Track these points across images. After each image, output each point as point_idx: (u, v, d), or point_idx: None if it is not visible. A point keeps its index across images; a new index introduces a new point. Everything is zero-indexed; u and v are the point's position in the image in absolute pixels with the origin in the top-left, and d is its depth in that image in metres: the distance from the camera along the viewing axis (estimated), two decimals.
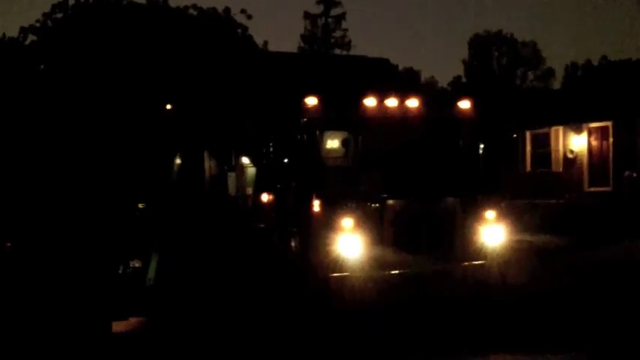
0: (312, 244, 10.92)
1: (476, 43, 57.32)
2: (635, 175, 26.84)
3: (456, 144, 11.74)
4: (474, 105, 11.72)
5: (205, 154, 13.06)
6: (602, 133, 29.51)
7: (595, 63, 52.83)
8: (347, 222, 10.76)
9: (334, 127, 11.27)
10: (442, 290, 11.03)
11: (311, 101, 11.02)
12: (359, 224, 10.78)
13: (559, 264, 13.75)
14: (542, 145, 31.41)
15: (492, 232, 11.37)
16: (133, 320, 12.33)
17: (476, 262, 11.25)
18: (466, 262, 11.22)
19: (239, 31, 26.14)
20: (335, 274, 10.73)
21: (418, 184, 11.20)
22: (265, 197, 11.91)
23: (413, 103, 11.46)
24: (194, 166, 12.98)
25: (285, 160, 11.62)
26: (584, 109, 30.47)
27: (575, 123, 30.11)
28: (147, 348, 11.03)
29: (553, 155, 31.07)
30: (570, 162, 30.42)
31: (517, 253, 12.18)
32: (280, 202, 11.66)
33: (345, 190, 10.98)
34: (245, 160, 12.62)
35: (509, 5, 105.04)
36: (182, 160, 13.15)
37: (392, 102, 11.35)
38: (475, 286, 11.14)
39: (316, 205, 10.87)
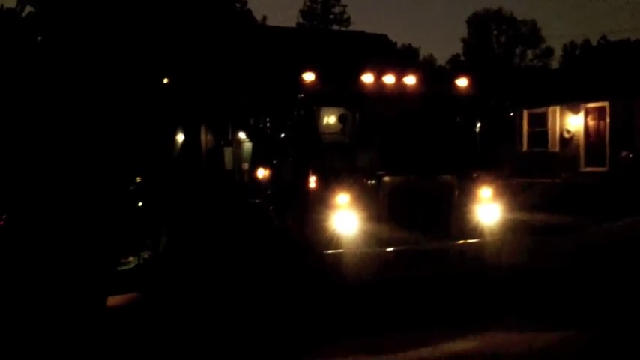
0: (307, 220, 10.80)
1: (475, 21, 57.04)
2: (631, 155, 26.79)
3: (453, 121, 11.64)
4: (472, 82, 11.60)
5: (202, 128, 12.90)
6: (599, 113, 29.47)
7: (594, 43, 52.67)
8: (343, 198, 10.66)
9: (331, 102, 11.16)
10: (437, 268, 10.94)
11: (308, 76, 10.89)
12: (355, 201, 10.68)
13: (555, 242, 13.60)
14: (540, 124, 31.34)
15: (488, 210, 11.27)
16: (129, 295, 12.31)
17: (471, 240, 11.13)
18: (462, 239, 11.11)
19: (238, 5, 25.92)
20: (330, 251, 10.58)
21: (415, 160, 11.09)
22: (261, 173, 11.79)
23: (411, 79, 11.33)
24: (191, 140, 12.81)
25: (282, 136, 11.47)
26: (581, 89, 30.40)
27: (572, 103, 30.06)
28: (139, 323, 10.99)
29: (550, 135, 31.03)
30: (567, 142, 30.40)
31: (513, 232, 12.02)
32: (276, 177, 11.56)
33: (342, 166, 10.87)
34: (242, 134, 12.46)
35: None
36: (178, 134, 12.97)
37: (390, 78, 11.22)
38: (471, 264, 11.04)
39: (312, 181, 10.77)
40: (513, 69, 50.05)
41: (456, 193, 11.15)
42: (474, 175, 11.26)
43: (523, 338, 9.64)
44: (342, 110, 11.06)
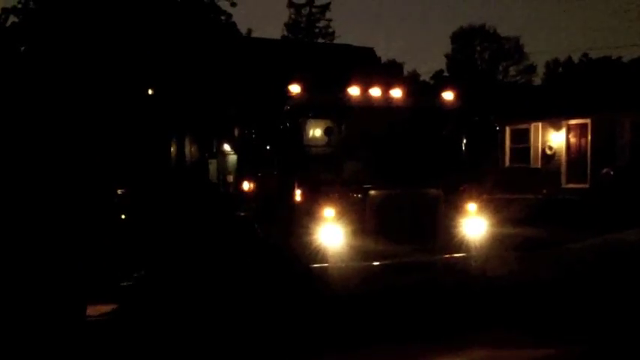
0: (293, 234, 10.64)
1: (459, 37, 57.17)
2: (612, 172, 26.78)
3: (439, 134, 11.52)
4: (458, 96, 11.50)
5: (187, 140, 12.73)
6: (581, 130, 29.53)
7: (576, 60, 52.88)
8: (329, 211, 10.52)
9: (317, 115, 11.03)
10: (423, 281, 10.80)
11: (295, 88, 10.76)
12: (341, 214, 10.54)
13: (541, 256, 13.49)
14: (522, 140, 31.37)
15: (474, 224, 11.14)
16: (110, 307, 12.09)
17: (457, 254, 11.01)
18: (447, 253, 10.98)
19: (222, 18, 25.75)
20: (316, 265, 10.43)
21: (401, 174, 10.97)
22: (247, 185, 11.63)
23: (397, 92, 11.22)
24: (175, 151, 12.64)
25: (268, 148, 11.32)
26: (563, 106, 30.46)
27: (554, 119, 30.11)
28: (124, 336, 10.77)
29: (532, 151, 31.06)
30: (549, 158, 30.42)
31: (498, 245, 11.91)
32: (262, 190, 11.39)
33: (328, 179, 10.71)
34: (227, 146, 12.31)
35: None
36: (163, 145, 12.79)
37: (376, 91, 11.11)
38: (456, 278, 10.91)
39: (298, 194, 10.62)
40: (496, 85, 50.15)
41: (442, 206, 11.02)
42: (460, 188, 11.13)
43: (509, 354, 9.46)
44: (328, 122, 10.92)
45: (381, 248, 10.67)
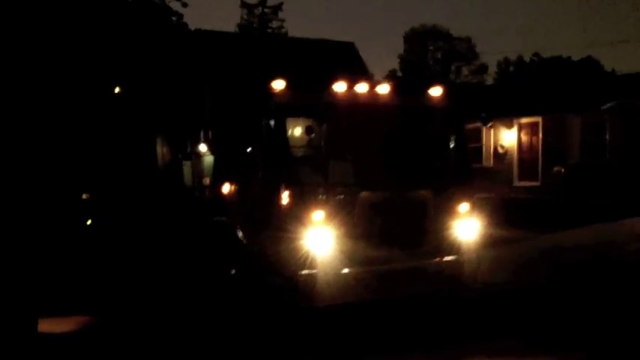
0: (279, 239, 9.77)
1: (412, 37, 56.72)
2: (563, 170, 26.61)
3: (427, 133, 10.77)
4: (446, 93, 10.77)
5: (158, 141, 11.73)
6: (532, 128, 29.30)
7: (527, 59, 52.72)
8: (318, 215, 9.70)
9: (303, 113, 10.24)
10: (415, 288, 10.07)
11: (278, 85, 9.90)
12: (330, 217, 9.74)
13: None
14: (474, 139, 30.94)
15: (465, 226, 10.43)
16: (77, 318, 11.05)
17: (449, 259, 10.28)
18: (439, 257, 10.26)
19: (174, 18, 24.69)
20: (304, 272, 9.59)
21: (391, 175, 10.22)
22: (227, 188, 10.69)
23: (384, 89, 10.45)
24: (145, 153, 11.63)
25: (249, 149, 10.40)
26: (514, 105, 30.16)
27: (506, 118, 29.79)
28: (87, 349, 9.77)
29: (484, 150, 30.68)
30: (501, 157, 30.11)
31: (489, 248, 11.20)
32: (244, 193, 10.48)
33: (316, 180, 9.88)
34: (202, 147, 11.35)
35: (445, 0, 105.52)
36: (132, 146, 11.77)
37: (363, 87, 10.32)
38: (449, 283, 10.20)
39: (285, 197, 9.76)
40: (449, 85, 49.73)
41: (433, 208, 10.29)
42: (450, 189, 10.37)
43: None
44: (314, 122, 10.11)
45: (372, 253, 9.92)
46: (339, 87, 10.20)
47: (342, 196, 9.89)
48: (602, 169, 24.96)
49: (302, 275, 9.65)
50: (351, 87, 10.27)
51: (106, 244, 11.97)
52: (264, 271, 9.98)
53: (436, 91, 10.77)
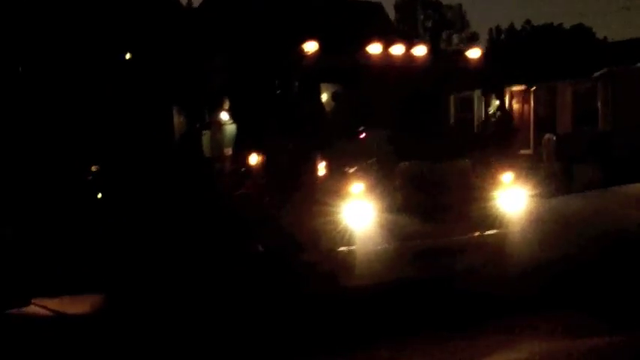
0: (314, 213, 8.92)
1: (402, 6, 55.53)
2: (554, 138, 26.17)
3: (466, 98, 9.93)
4: (485, 55, 9.93)
5: (174, 110, 10.76)
6: (524, 97, 28.61)
7: (518, 27, 51.68)
8: (357, 187, 8.84)
9: (337, 77, 9.29)
10: (457, 264, 9.27)
11: (310, 47, 8.98)
12: (369, 189, 8.89)
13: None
14: (466, 108, 30.14)
15: (508, 197, 9.63)
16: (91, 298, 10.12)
17: (492, 232, 9.50)
18: (481, 230, 9.46)
19: None
20: (342, 248, 8.72)
21: (430, 143, 9.35)
22: (255, 158, 9.77)
23: (421, 50, 9.58)
24: (161, 122, 10.67)
25: (279, 117, 9.48)
26: (506, 73, 29.38)
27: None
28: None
29: (476, 119, 29.90)
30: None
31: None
32: (273, 164, 9.56)
33: (354, 150, 8.99)
34: (223, 115, 10.40)
35: None
36: (146, 116, 10.80)
37: (399, 49, 9.44)
38: (493, 258, 9.41)
39: (321, 168, 8.89)
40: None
41: (475, 178, 9.46)
42: (492, 157, 9.56)
43: (563, 346, 7.98)
44: (349, 86, 9.23)
45: (412, 227, 9.09)
46: (374, 49, 9.37)
47: (381, 167, 9.04)
48: (593, 137, 24.49)
49: (340, 252, 8.80)
50: (386, 48, 9.42)
51: (118, 219, 11.02)
52: (297, 248, 9.09)
53: (474, 53, 9.96)
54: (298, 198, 9.18)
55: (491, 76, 10.08)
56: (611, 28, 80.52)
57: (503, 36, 52.34)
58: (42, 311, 10.00)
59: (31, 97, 11.02)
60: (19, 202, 10.38)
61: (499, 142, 9.82)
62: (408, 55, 9.52)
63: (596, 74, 25.12)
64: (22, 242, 10.08)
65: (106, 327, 9.29)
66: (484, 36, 57.53)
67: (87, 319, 9.67)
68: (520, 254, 9.53)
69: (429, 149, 9.31)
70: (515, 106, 28.97)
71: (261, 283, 9.50)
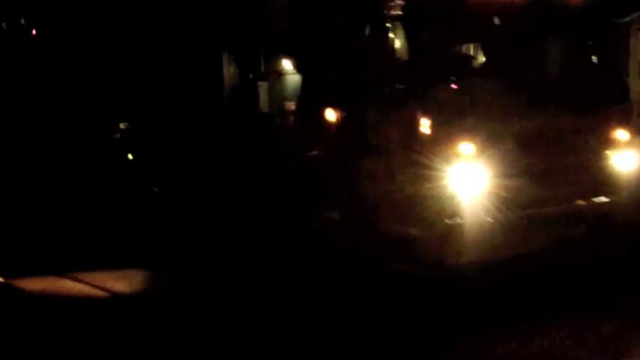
0: (413, 179, 7.32)
1: None
2: None
3: (580, 46, 8.37)
4: None
5: (224, 58, 8.99)
6: None
7: None
8: (466, 147, 7.23)
9: (440, 19, 7.62)
10: (575, 234, 7.77)
11: None
12: (482, 150, 7.27)
13: None
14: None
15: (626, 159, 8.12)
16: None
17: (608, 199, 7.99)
18: (598, 196, 7.93)
19: None
20: (451, 221, 7.24)
21: (545, 99, 7.76)
22: (332, 114, 8.08)
23: None
24: (206, 72, 8.91)
25: (361, 65, 7.81)
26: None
27: None
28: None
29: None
30: None
31: None
32: (355, 121, 7.90)
33: (463, 105, 7.37)
34: (285, 63, 8.67)
35: None
36: (189, 65, 9.01)
37: None
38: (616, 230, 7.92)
39: (424, 125, 7.28)
40: None
41: (592, 137, 7.89)
42: (609, 111, 8.02)
43: None
44: (459, 30, 7.59)
45: (527, 194, 7.53)
46: None
47: (492, 124, 7.45)
48: None
49: (446, 225, 7.20)
50: None
51: (154, 184, 9.31)
52: (386, 220, 7.50)
53: None
54: (392, 161, 7.55)
55: (606, 19, 8.44)
56: None
57: None
58: (79, 286, 8.33)
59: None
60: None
61: (616, 97, 8.24)
62: None
63: None
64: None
65: (160, 307, 7.63)
66: None
67: (136, 298, 7.99)
68: None
69: (544, 105, 7.71)
70: None
71: (334, 259, 7.92)
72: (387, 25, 7.63)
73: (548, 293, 7.34)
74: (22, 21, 9.99)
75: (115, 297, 7.92)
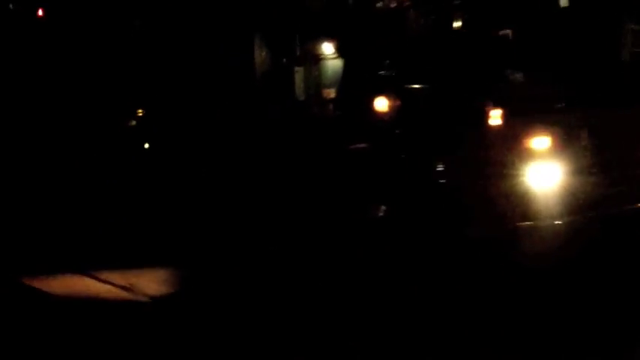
0: (478, 176, 6.62)
1: None
2: None
3: None
4: None
5: (255, 41, 8.14)
6: None
7: None
8: (541, 142, 6.53)
9: None
10: None
11: None
12: (558, 145, 6.59)
13: None
14: None
15: None
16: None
17: None
18: None
19: None
20: (523, 223, 6.61)
21: (618, 85, 7.10)
22: (384, 103, 7.30)
23: None
24: (237, 57, 8.07)
25: (426, 48, 7.07)
26: None
27: None
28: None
29: None
30: None
31: None
32: (406, 110, 7.14)
33: (538, 96, 6.69)
34: (326, 48, 7.86)
35: None
36: (218, 48, 8.16)
37: None
38: None
39: (494, 117, 6.58)
40: None
41: None
42: None
43: None
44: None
45: (602, 190, 6.86)
46: None
47: (567, 116, 6.78)
48: None
49: (519, 227, 6.54)
50: None
51: (172, 175, 8.48)
52: (453, 222, 6.82)
53: None
54: (453, 157, 6.84)
55: None
56: None
57: None
58: (98, 285, 7.45)
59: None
60: None
61: None
62: None
63: None
64: None
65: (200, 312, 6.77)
66: None
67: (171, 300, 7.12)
68: None
69: (618, 92, 7.06)
70: None
71: (384, 259, 7.21)
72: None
73: None
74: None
75: (154, 300, 7.05)
